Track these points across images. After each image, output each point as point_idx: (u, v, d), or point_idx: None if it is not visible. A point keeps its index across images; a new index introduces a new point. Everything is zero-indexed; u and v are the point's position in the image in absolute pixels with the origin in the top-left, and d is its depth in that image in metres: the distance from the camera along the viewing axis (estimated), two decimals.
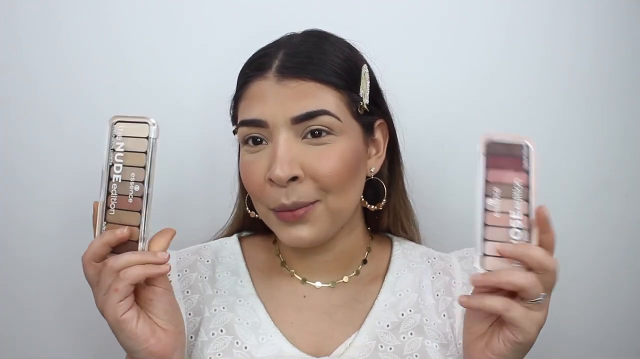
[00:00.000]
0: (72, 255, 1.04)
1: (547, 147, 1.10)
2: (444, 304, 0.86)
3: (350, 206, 0.83)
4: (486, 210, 0.68)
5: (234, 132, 0.84)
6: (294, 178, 0.77)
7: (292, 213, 0.78)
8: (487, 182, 0.68)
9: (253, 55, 0.84)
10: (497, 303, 0.66)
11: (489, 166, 0.69)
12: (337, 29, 0.87)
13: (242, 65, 0.84)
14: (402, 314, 0.85)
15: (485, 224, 0.68)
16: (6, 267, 1.06)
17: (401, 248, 0.92)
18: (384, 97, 0.89)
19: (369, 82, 0.83)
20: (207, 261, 0.89)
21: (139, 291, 0.71)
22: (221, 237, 0.96)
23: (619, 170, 1.11)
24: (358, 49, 0.86)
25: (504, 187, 0.68)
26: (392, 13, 1.08)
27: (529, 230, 0.68)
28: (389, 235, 0.95)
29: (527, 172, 0.69)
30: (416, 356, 0.81)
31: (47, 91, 1.04)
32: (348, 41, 0.86)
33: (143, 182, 0.69)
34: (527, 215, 0.68)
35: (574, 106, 1.10)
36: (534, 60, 1.08)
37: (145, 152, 0.69)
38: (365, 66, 0.84)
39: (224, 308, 0.85)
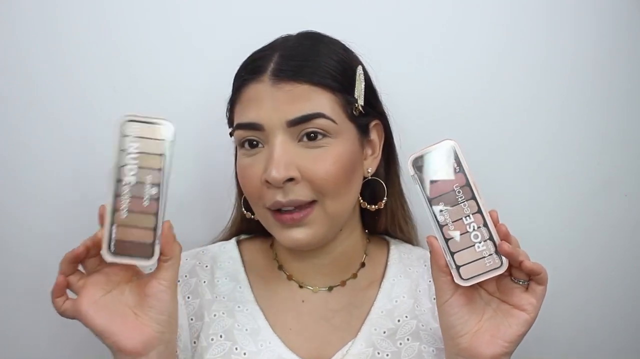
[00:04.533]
0: None
1: (547, 147, 1.10)
2: None
3: (348, 208, 0.83)
4: (442, 226, 0.69)
5: (231, 134, 0.84)
6: (291, 179, 0.77)
7: (291, 216, 0.78)
8: (431, 200, 0.69)
9: (248, 58, 0.84)
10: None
11: (425, 183, 0.69)
12: (335, 29, 0.87)
13: (238, 67, 0.84)
14: (398, 321, 0.85)
15: (447, 239, 0.69)
16: (6, 267, 1.06)
17: (398, 252, 0.91)
18: (379, 98, 0.89)
19: (363, 84, 0.83)
20: (206, 266, 0.90)
21: (143, 284, 0.69)
22: (221, 239, 0.95)
23: (619, 170, 1.11)
24: (353, 49, 0.86)
25: (447, 197, 0.69)
26: (391, 13, 1.07)
27: (486, 225, 0.68)
28: (386, 237, 0.94)
29: (462, 171, 0.69)
30: None
31: (47, 91, 1.04)
32: (343, 42, 0.86)
33: (159, 184, 0.68)
34: (478, 212, 0.68)
35: (574, 106, 1.10)
36: (534, 60, 1.08)
37: (162, 155, 0.67)
38: (360, 67, 0.84)
39: (223, 313, 0.85)
